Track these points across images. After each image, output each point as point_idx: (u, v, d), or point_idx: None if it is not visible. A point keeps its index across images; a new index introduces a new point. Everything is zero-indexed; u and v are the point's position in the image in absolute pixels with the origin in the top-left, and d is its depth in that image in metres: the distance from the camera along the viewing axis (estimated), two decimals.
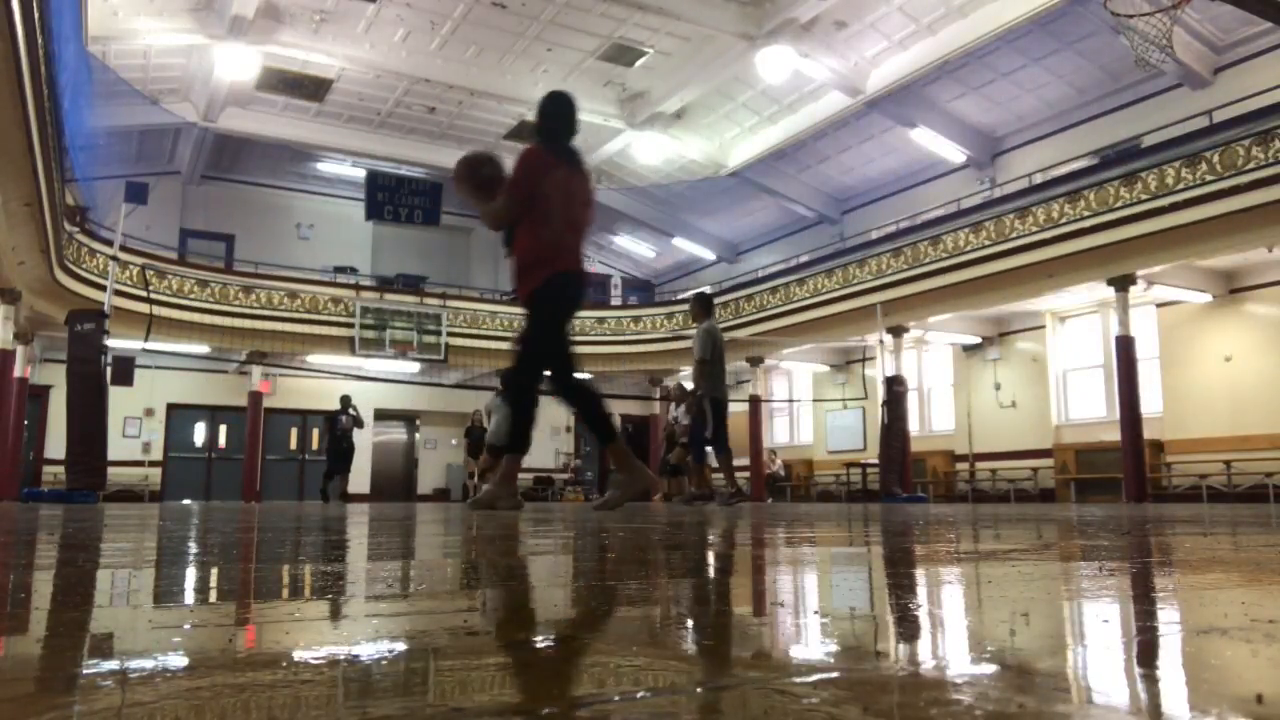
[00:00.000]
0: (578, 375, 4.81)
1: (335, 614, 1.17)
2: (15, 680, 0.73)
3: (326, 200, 24.11)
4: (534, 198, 4.37)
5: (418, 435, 23.79)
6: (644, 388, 23.75)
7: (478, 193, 4.50)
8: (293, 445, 22.13)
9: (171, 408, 20.99)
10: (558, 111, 4.68)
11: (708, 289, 23.37)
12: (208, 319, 18.07)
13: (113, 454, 11.45)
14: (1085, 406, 16.58)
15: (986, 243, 15.12)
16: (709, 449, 8.79)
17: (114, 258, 11.91)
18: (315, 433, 21.75)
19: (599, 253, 27.84)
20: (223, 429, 21.47)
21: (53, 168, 10.95)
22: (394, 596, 1.36)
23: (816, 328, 18.45)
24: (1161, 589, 1.47)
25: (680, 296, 24.08)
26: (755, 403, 20.03)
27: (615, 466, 4.78)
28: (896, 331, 17.05)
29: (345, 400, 16.25)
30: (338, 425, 15.97)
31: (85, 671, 0.76)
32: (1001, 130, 18.70)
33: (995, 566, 1.86)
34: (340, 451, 16.08)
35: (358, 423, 16.43)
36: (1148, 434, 13.72)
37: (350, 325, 19.71)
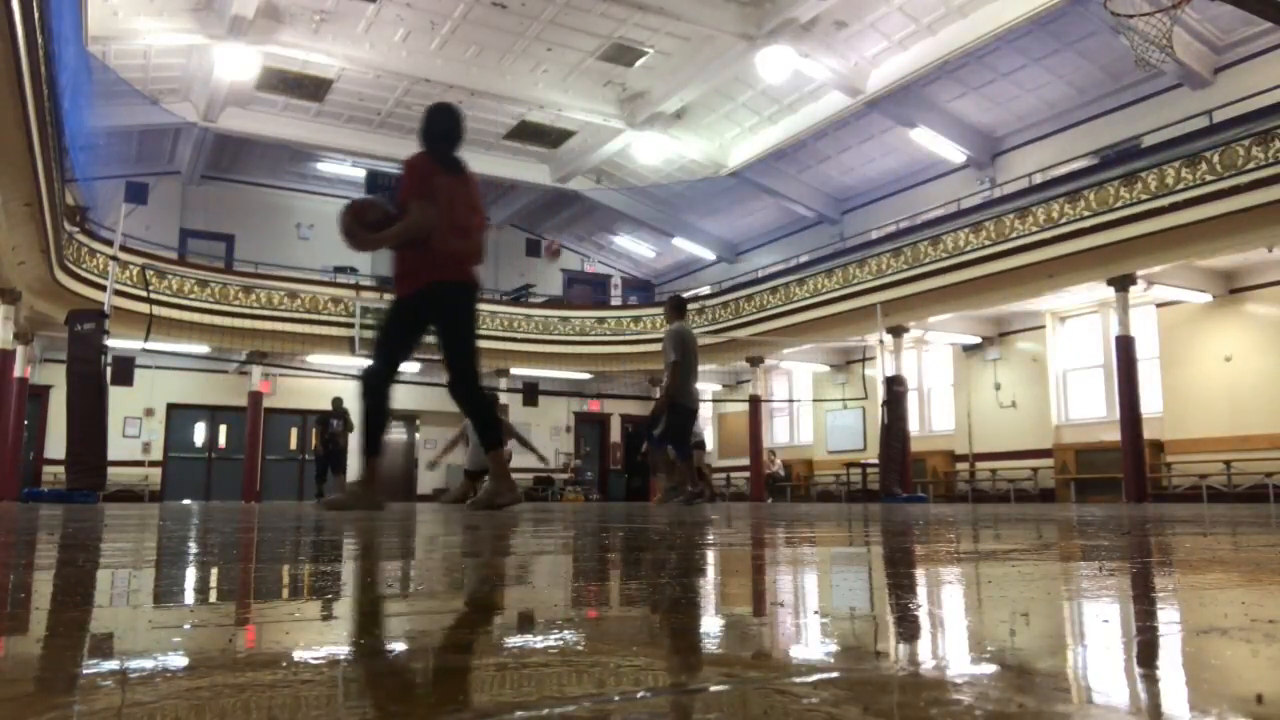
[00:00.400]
0: (477, 383, 4.91)
1: (334, 613, 1.17)
2: (15, 680, 0.73)
3: (326, 200, 24.08)
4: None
5: (418, 435, 23.79)
6: (644, 388, 23.74)
7: (370, 236, 4.56)
8: (293, 445, 22.13)
9: (171, 408, 20.99)
10: (440, 123, 4.76)
11: (702, 290, 23.44)
12: (208, 319, 18.06)
13: (113, 454, 11.44)
14: (1085, 406, 16.58)
15: (986, 243, 15.12)
16: (670, 445, 8.53)
17: (114, 258, 11.90)
18: (315, 432, 21.80)
19: (599, 252, 27.85)
20: (223, 429, 21.47)
21: (53, 168, 10.94)
22: (392, 596, 1.36)
23: (816, 328, 18.45)
24: (1161, 589, 1.47)
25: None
26: (755, 403, 20.02)
27: (492, 475, 4.93)
28: (896, 331, 17.05)
29: (337, 403, 15.96)
30: (329, 428, 15.73)
31: (85, 671, 0.76)
32: (1001, 130, 18.70)
33: (995, 566, 1.86)
34: (331, 453, 15.81)
35: (349, 426, 16.24)
36: (1148, 434, 13.72)
37: (350, 325, 19.69)
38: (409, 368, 20.16)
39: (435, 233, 4.46)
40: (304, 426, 22.09)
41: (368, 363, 4.78)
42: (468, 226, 4.60)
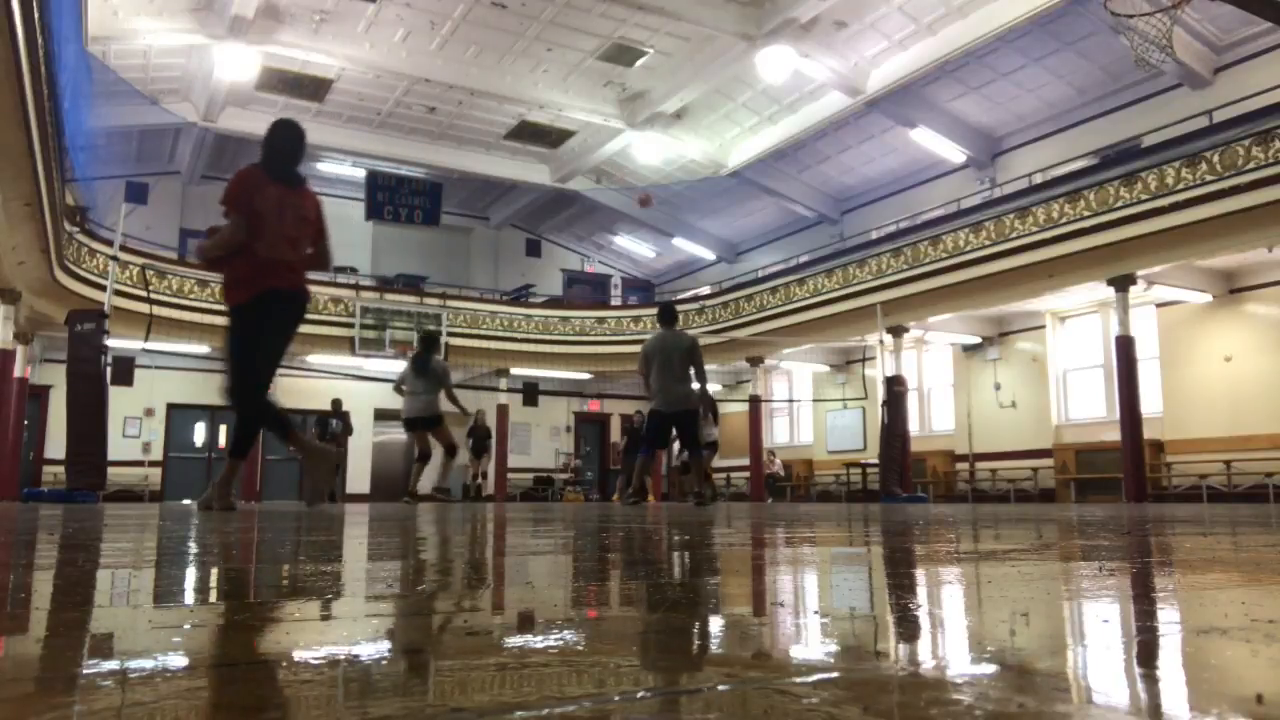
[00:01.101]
0: (268, 392, 5.02)
1: (335, 614, 1.17)
2: (15, 680, 0.73)
3: (326, 200, 23.83)
4: (248, 216, 4.58)
5: None
6: (644, 388, 23.70)
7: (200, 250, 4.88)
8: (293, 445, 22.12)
9: (171, 408, 20.98)
10: (279, 136, 4.86)
11: (702, 290, 23.43)
12: (208, 319, 18.04)
13: (113, 454, 11.44)
14: (1085, 406, 16.58)
15: (986, 243, 15.11)
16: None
17: (114, 258, 11.90)
18: (315, 433, 21.80)
19: (599, 252, 27.84)
20: (223, 429, 21.45)
21: (53, 168, 10.94)
22: (392, 596, 1.36)
23: (816, 328, 18.45)
24: (1161, 589, 1.47)
25: (680, 296, 24.08)
26: (755, 403, 20.02)
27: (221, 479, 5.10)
28: (896, 331, 17.04)
29: (337, 404, 15.97)
30: (328, 429, 15.71)
31: (85, 671, 0.76)
32: (1001, 130, 18.69)
33: (995, 566, 1.86)
34: None
35: (348, 429, 16.26)
36: (1148, 434, 13.71)
37: (350, 325, 19.70)
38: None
39: (264, 242, 4.56)
40: (304, 427, 22.08)
41: (229, 389, 4.95)
42: (297, 237, 4.70)
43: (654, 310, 22.55)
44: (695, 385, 8.38)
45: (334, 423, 15.77)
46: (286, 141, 4.86)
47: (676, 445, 10.58)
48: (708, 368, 9.15)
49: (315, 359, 19.62)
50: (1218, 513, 6.36)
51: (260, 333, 4.74)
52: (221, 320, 16.80)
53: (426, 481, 10.22)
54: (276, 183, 4.69)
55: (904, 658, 0.84)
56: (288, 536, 3.04)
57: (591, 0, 16.25)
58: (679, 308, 21.91)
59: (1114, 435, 14.07)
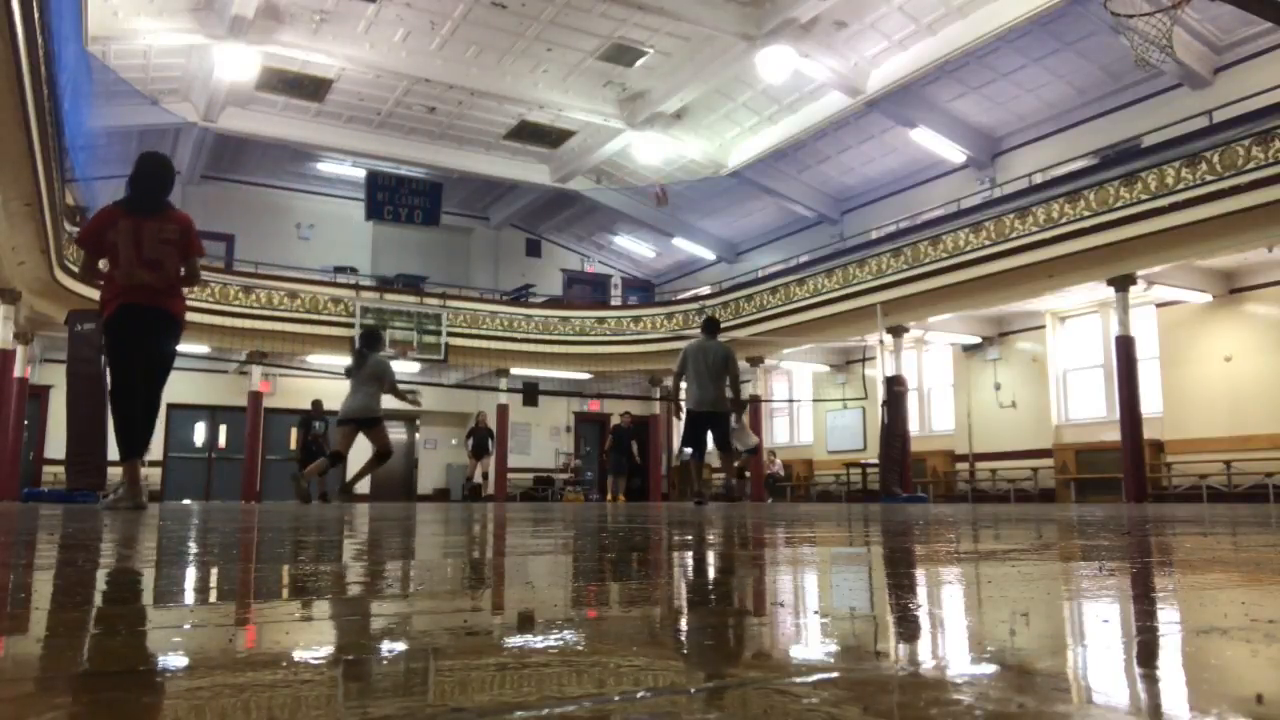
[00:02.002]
0: (157, 402, 5.60)
1: (334, 613, 1.17)
2: (15, 680, 0.73)
3: (326, 200, 24.10)
4: (104, 247, 5.23)
5: (417, 435, 23.79)
6: (644, 388, 23.74)
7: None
8: (293, 445, 22.10)
9: (171, 408, 20.96)
10: (135, 174, 5.40)
11: (702, 290, 23.43)
12: (208, 319, 18.05)
13: (112, 454, 11.44)
14: (1085, 406, 16.57)
15: (986, 243, 15.11)
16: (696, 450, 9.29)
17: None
18: (294, 434, 21.95)
19: (599, 252, 27.84)
20: (223, 429, 21.47)
21: (53, 168, 10.94)
22: (393, 596, 1.36)
23: (816, 328, 18.45)
24: (1161, 589, 1.47)
25: (680, 296, 24.08)
26: (755, 403, 20.02)
27: (126, 480, 5.58)
28: (896, 331, 17.04)
29: (317, 404, 15.67)
30: (311, 429, 15.52)
31: (85, 671, 0.76)
32: (1001, 130, 18.69)
33: (995, 566, 1.86)
34: (314, 454, 15.67)
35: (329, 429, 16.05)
36: (1148, 434, 13.71)
37: (350, 325, 19.68)
38: (409, 368, 20.11)
39: (120, 269, 5.18)
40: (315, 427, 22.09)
41: (109, 394, 5.55)
42: (157, 260, 5.20)
43: (654, 310, 22.64)
44: (729, 392, 9.03)
45: (316, 424, 15.51)
46: (143, 178, 5.38)
47: (676, 445, 11.12)
48: None
49: (315, 359, 19.63)
50: (1218, 513, 6.36)
51: (122, 344, 5.31)
52: (221, 320, 16.95)
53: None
54: (133, 215, 5.24)
55: (904, 658, 0.84)
56: (285, 536, 3.04)
57: (591, 0, 16.24)
58: (679, 309, 22.04)
59: (1114, 435, 14.07)
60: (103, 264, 5.36)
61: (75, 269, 15.31)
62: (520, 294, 24.07)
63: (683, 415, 9.18)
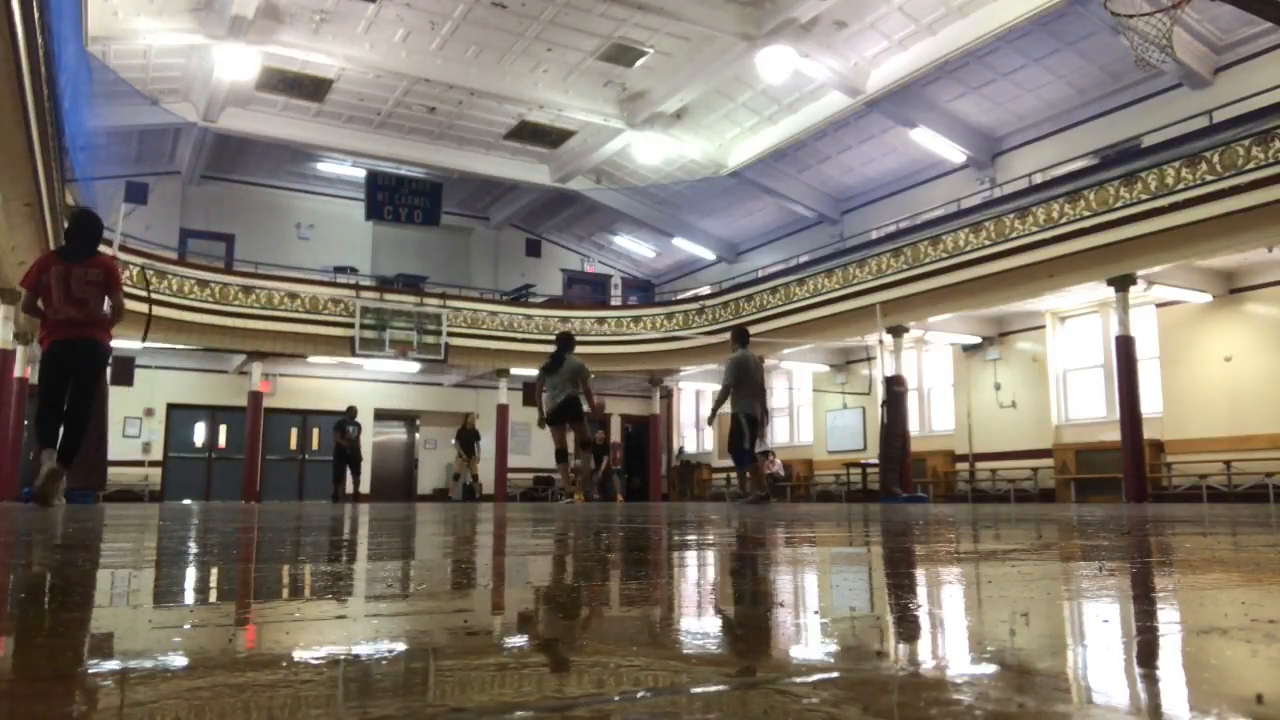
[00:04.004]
0: (86, 420, 6.29)
1: (334, 614, 1.17)
2: (15, 680, 0.73)
3: (326, 200, 24.10)
4: (40, 288, 6.09)
5: (418, 435, 23.78)
6: (644, 388, 23.74)
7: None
8: (293, 445, 22.12)
9: (171, 408, 20.98)
10: (68, 228, 6.49)
11: (702, 290, 23.43)
12: (208, 319, 18.05)
13: (113, 454, 11.46)
14: (1085, 406, 16.56)
15: (986, 243, 15.11)
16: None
17: (114, 258, 11.88)
18: (315, 432, 21.89)
19: (599, 252, 27.84)
20: (223, 429, 21.46)
21: (53, 168, 10.93)
22: (393, 596, 1.36)
23: (816, 328, 18.44)
24: (1161, 589, 1.47)
25: (680, 296, 24.07)
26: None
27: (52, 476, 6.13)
28: (896, 331, 17.03)
29: (352, 410, 16.95)
30: (347, 433, 16.61)
31: (85, 671, 0.76)
32: (1001, 130, 18.68)
33: (995, 566, 1.86)
34: (349, 456, 16.70)
35: (360, 431, 17.19)
36: (1148, 434, 13.70)
37: (350, 325, 19.69)
38: (409, 368, 20.21)
39: (51, 307, 6.03)
40: (304, 426, 22.09)
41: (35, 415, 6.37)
42: (84, 299, 6.06)
43: (654, 310, 22.65)
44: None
45: (350, 428, 16.56)
46: (73, 232, 6.38)
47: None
48: (708, 367, 10.24)
49: (315, 359, 19.64)
50: (1218, 513, 6.36)
51: (52, 372, 6.16)
52: (221, 320, 17.02)
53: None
54: (66, 261, 6.14)
55: (904, 658, 0.84)
56: (283, 536, 3.04)
57: (591, 0, 16.24)
58: (679, 309, 22.05)
59: (1114, 435, 14.06)
60: (40, 303, 6.16)
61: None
62: (520, 294, 24.07)
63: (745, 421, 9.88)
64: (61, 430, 6.15)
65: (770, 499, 10.33)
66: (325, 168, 23.29)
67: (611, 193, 23.53)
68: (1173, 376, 14.76)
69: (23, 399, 16.01)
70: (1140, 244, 13.05)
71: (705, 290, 23.38)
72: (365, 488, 22.15)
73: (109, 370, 10.90)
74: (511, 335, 21.16)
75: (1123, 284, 13.56)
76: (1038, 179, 16.03)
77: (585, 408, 10.32)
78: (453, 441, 23.92)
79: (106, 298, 6.22)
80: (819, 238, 22.14)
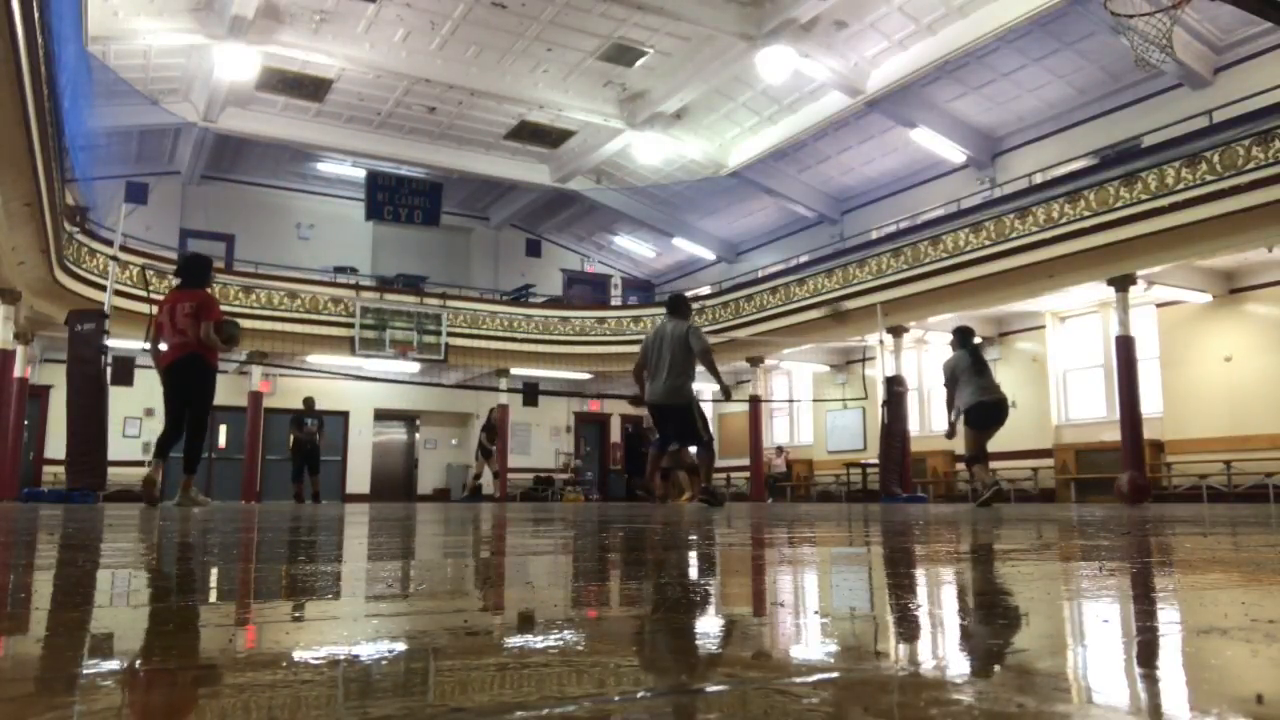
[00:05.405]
0: (203, 428, 7.69)
1: (333, 614, 1.17)
2: (15, 680, 0.73)
3: (326, 200, 24.09)
4: (159, 326, 7.25)
5: (418, 435, 23.78)
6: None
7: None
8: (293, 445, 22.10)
9: None
10: (180, 268, 7.73)
11: (702, 290, 23.41)
12: None
13: (113, 454, 11.43)
14: (1085, 406, 16.56)
15: (986, 243, 15.10)
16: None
17: (114, 258, 11.90)
18: (288, 432, 21.98)
19: (599, 252, 27.84)
20: (223, 429, 21.44)
21: (53, 168, 10.93)
22: (392, 596, 1.36)
23: (816, 328, 18.44)
24: (1161, 589, 1.47)
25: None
26: (755, 403, 20.02)
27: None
28: (896, 331, 17.03)
29: (309, 402, 15.74)
30: (304, 427, 15.52)
31: (85, 671, 0.76)
32: (1001, 130, 18.68)
33: (995, 566, 1.86)
34: (308, 453, 15.55)
35: (322, 427, 16.16)
36: (1148, 434, 13.70)
37: (350, 325, 19.69)
38: (409, 368, 20.28)
39: (163, 337, 7.20)
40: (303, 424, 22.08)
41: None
42: (181, 326, 7.08)
43: (654, 310, 22.60)
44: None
45: (309, 421, 15.48)
46: (177, 272, 7.65)
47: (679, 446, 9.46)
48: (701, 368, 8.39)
49: (315, 359, 19.63)
50: (1218, 513, 6.36)
51: (165, 397, 7.43)
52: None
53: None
54: (173, 295, 7.30)
55: (904, 658, 0.84)
56: (280, 535, 3.04)
57: (591, 0, 16.24)
58: None
59: (1114, 435, 14.06)
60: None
61: (76, 270, 15.40)
62: (520, 294, 24.07)
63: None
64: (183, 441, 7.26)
65: (723, 502, 7.78)
66: (325, 168, 23.29)
67: (611, 193, 23.53)
68: (1173, 376, 14.75)
69: (23, 399, 16.01)
70: (1140, 244, 13.05)
71: (705, 290, 23.37)
72: (364, 487, 22.22)
73: (109, 370, 10.92)
74: (511, 335, 21.16)
75: (1123, 284, 13.56)
76: (1038, 179, 16.03)
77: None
78: (454, 441, 23.98)
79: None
80: (819, 238, 22.14)
